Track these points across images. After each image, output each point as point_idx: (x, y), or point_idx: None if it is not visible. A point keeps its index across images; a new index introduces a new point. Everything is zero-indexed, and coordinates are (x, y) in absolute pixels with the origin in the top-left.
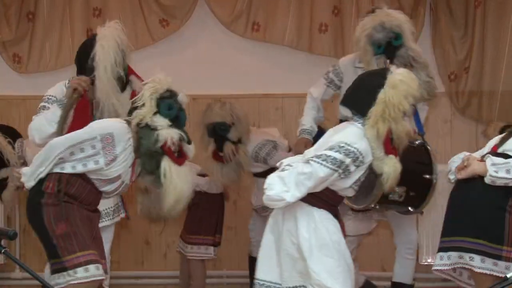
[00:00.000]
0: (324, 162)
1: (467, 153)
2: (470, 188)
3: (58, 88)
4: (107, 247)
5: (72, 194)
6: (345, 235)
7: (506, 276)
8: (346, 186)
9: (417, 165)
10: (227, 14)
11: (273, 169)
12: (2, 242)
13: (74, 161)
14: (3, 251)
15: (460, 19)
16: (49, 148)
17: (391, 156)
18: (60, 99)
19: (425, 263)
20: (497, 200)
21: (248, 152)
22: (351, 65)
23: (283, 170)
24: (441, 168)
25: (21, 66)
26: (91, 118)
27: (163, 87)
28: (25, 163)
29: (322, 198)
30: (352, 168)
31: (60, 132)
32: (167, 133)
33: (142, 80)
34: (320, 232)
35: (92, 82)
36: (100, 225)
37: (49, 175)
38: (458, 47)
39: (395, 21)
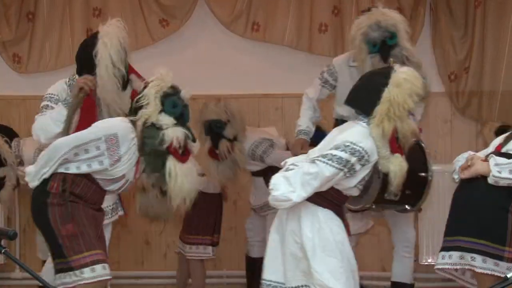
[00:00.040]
0: (330, 162)
1: (472, 153)
2: (474, 188)
3: (59, 86)
4: None
5: (78, 193)
6: (349, 235)
7: (507, 276)
8: (351, 185)
9: (412, 163)
10: (227, 14)
11: (270, 168)
12: (2, 242)
13: (78, 162)
14: (3, 251)
15: (460, 19)
16: (53, 149)
17: (397, 154)
18: (65, 98)
19: (425, 263)
20: (500, 200)
21: (244, 149)
22: (345, 64)
23: (287, 169)
24: (441, 167)
25: (21, 66)
26: (97, 117)
27: (167, 84)
28: (22, 163)
29: (327, 198)
30: (358, 167)
31: (66, 132)
32: (172, 132)
33: (143, 79)
34: (324, 232)
35: None
36: None
37: (53, 175)
38: (458, 47)
39: (391, 20)
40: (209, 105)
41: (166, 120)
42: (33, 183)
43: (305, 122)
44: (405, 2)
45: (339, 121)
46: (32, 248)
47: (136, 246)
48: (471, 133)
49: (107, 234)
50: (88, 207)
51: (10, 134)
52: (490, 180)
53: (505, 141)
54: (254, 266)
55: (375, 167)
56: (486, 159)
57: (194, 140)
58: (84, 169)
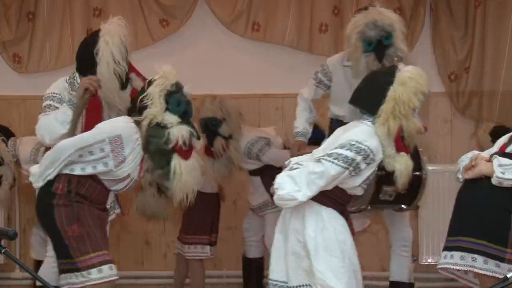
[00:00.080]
0: (335, 161)
1: (476, 152)
2: (477, 188)
3: (60, 84)
4: None
5: (83, 194)
6: (353, 234)
7: (506, 276)
8: (355, 184)
9: None
10: (227, 14)
11: (267, 167)
12: (2, 242)
13: (83, 163)
14: (3, 251)
15: (460, 19)
16: (57, 151)
17: (403, 153)
18: (69, 99)
19: (425, 263)
20: (503, 201)
21: (240, 147)
22: (340, 64)
23: (291, 169)
24: (441, 167)
25: (21, 66)
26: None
27: (170, 81)
28: (18, 162)
29: (331, 197)
30: (363, 166)
31: (72, 133)
32: (178, 131)
33: (143, 78)
34: (327, 231)
35: None
36: None
37: (58, 176)
38: (458, 47)
39: (388, 20)
40: (205, 103)
41: (171, 118)
42: (38, 184)
43: (301, 124)
44: (405, 2)
45: (334, 121)
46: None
47: (136, 246)
48: (471, 133)
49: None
50: (93, 207)
51: (6, 133)
52: (493, 181)
53: (510, 141)
54: (251, 267)
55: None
56: (490, 160)
57: (198, 138)
58: (89, 170)
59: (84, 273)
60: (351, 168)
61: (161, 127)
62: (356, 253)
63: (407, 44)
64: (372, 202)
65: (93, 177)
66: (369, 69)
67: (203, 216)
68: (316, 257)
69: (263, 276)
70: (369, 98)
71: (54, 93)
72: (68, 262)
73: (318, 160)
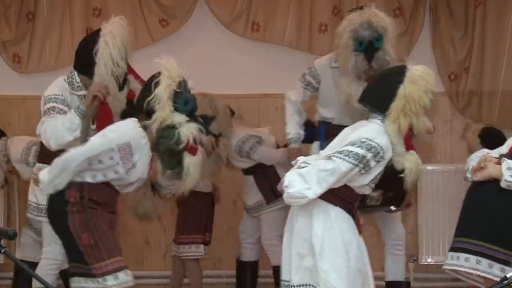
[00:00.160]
0: (346, 158)
1: (486, 151)
2: (486, 190)
3: (60, 83)
4: None
5: (96, 200)
6: (360, 232)
7: (506, 276)
8: (364, 182)
9: (390, 166)
10: (227, 14)
11: (259, 166)
12: (2, 242)
13: (93, 171)
14: (3, 251)
15: (460, 19)
16: (66, 161)
17: (412, 151)
18: (77, 106)
19: (425, 263)
20: None
21: (231, 145)
22: (328, 66)
23: (299, 167)
24: (441, 167)
25: (21, 66)
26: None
27: (175, 79)
28: (9, 161)
29: (338, 195)
30: (373, 163)
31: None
32: (187, 130)
33: (141, 80)
34: (334, 231)
35: (91, 77)
36: None
37: (70, 183)
38: (458, 47)
39: (382, 22)
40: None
41: (179, 118)
42: (47, 191)
43: (293, 129)
44: (405, 2)
45: (322, 123)
46: None
47: (136, 246)
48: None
49: None
50: (105, 212)
51: None
52: (502, 184)
53: None
54: (245, 270)
55: None
56: (499, 161)
57: (206, 133)
58: (99, 178)
59: (100, 279)
60: (361, 165)
61: (170, 127)
62: (366, 252)
63: (407, 44)
64: (361, 207)
65: (105, 182)
66: (357, 69)
67: (197, 215)
68: (321, 257)
69: (257, 279)
70: (379, 96)
71: (56, 94)
72: (82, 267)
73: (329, 158)
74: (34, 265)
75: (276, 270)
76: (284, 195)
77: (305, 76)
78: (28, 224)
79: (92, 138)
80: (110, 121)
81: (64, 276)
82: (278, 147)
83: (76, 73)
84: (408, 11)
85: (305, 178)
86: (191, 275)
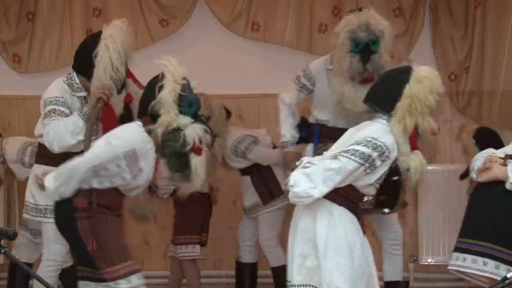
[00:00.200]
0: (352, 157)
1: (492, 150)
2: (490, 191)
3: (60, 86)
4: None
5: (104, 204)
6: (364, 233)
7: (506, 276)
8: (369, 182)
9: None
10: (227, 14)
11: (256, 166)
12: (2, 242)
13: (100, 177)
14: (3, 251)
15: (460, 19)
16: (71, 170)
17: (417, 151)
18: (79, 108)
19: (425, 263)
20: None
21: (226, 145)
22: (323, 68)
23: (304, 167)
24: (441, 167)
25: (21, 66)
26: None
27: (179, 83)
28: (4, 161)
29: (342, 194)
30: (378, 162)
31: (88, 146)
32: (192, 131)
33: (140, 84)
34: (338, 231)
35: (89, 79)
36: None
37: (77, 190)
38: (458, 47)
39: (380, 25)
40: None
41: (184, 120)
42: (53, 198)
43: (288, 131)
44: (405, 2)
45: (316, 126)
46: None
47: (136, 246)
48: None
49: None
50: (114, 216)
51: None
52: (507, 186)
53: None
54: (244, 272)
55: None
56: (504, 162)
57: (211, 133)
58: (106, 184)
59: (112, 284)
60: (367, 165)
61: (175, 130)
62: (371, 253)
63: (407, 44)
64: None
65: (112, 187)
66: (351, 70)
67: (194, 216)
68: (325, 256)
69: (257, 280)
70: (384, 96)
71: (56, 96)
72: (91, 271)
73: (335, 157)
74: (29, 266)
75: (275, 271)
76: (290, 195)
77: (300, 78)
78: (23, 225)
79: (97, 143)
80: (114, 122)
81: (63, 276)
82: (274, 147)
83: (75, 74)
84: (408, 11)
85: (310, 178)
86: (188, 275)
